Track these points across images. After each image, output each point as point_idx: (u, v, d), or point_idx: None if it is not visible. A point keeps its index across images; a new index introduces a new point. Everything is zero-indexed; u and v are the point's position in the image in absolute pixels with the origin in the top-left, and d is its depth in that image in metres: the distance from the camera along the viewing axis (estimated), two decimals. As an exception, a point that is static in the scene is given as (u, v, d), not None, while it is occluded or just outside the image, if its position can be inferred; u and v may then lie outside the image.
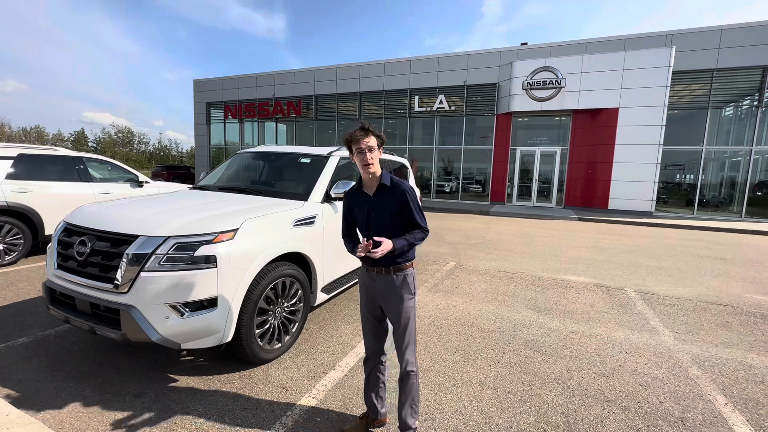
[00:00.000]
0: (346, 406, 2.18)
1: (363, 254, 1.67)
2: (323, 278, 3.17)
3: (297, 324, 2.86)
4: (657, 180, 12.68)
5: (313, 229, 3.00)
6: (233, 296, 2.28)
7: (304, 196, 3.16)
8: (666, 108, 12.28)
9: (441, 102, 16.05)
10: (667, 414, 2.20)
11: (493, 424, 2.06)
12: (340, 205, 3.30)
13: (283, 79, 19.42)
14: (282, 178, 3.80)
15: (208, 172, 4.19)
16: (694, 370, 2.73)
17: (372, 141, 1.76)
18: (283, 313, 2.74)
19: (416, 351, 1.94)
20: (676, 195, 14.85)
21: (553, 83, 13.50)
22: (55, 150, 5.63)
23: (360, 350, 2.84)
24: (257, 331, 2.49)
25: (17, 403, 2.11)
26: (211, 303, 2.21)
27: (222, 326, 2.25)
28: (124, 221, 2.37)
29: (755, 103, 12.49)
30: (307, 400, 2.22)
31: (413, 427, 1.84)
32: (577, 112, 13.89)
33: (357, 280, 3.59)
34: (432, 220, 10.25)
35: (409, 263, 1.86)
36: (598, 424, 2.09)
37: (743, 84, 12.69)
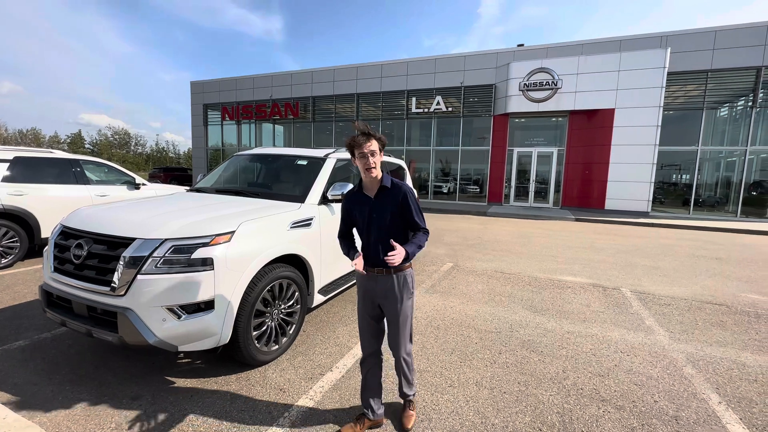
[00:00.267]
0: (343, 408, 2.19)
1: (360, 268, 1.79)
2: (320, 280, 3.18)
3: (294, 326, 2.87)
4: (653, 180, 12.75)
5: (310, 231, 3.01)
6: (230, 298, 2.28)
7: (301, 198, 3.17)
8: (661, 108, 12.36)
9: (438, 103, 16.06)
10: (661, 413, 2.22)
11: (489, 424, 2.08)
12: (337, 207, 3.31)
13: (281, 80, 19.40)
14: (279, 180, 3.81)
15: (205, 174, 4.20)
16: (689, 369, 2.75)
17: (374, 145, 1.79)
18: (281, 315, 2.74)
19: (412, 348, 2.09)
20: (672, 195, 14.92)
21: (549, 84, 13.56)
22: (51, 152, 5.62)
23: (357, 351, 2.85)
24: (254, 333, 2.50)
25: (14, 406, 2.11)
26: (208, 305, 2.22)
27: (219, 328, 2.25)
28: (121, 224, 2.37)
29: (749, 103, 12.58)
30: (305, 402, 2.23)
31: (410, 394, 2.10)
32: (573, 113, 13.96)
33: (354, 281, 3.60)
34: (430, 220, 10.19)
35: (408, 264, 1.90)
36: (593, 423, 2.11)
37: (737, 85, 12.78)
